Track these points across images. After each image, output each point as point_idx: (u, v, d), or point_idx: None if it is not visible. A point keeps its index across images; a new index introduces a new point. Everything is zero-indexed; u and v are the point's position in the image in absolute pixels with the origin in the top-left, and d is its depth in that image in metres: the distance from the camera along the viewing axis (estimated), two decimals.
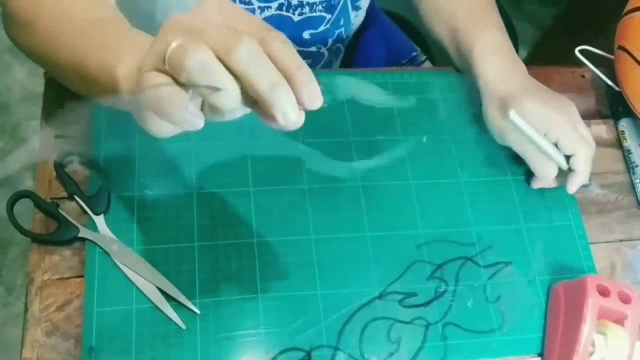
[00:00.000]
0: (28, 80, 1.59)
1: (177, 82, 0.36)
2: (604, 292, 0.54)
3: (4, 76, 1.59)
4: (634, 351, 0.54)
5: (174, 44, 0.35)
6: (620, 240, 0.66)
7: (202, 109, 0.38)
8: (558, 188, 0.64)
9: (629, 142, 0.71)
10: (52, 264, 0.55)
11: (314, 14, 0.73)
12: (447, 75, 0.72)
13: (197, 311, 0.54)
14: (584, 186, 0.63)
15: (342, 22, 0.78)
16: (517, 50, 0.72)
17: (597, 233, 0.65)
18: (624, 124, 0.72)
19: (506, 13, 0.74)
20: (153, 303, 0.54)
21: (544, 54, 1.58)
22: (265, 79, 0.35)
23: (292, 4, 0.71)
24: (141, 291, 0.54)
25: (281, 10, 0.71)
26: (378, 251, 0.60)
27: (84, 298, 0.53)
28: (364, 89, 0.63)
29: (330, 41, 0.79)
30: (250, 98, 0.36)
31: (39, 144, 0.60)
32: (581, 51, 0.74)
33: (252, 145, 0.62)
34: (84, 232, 0.55)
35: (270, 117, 0.36)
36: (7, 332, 1.31)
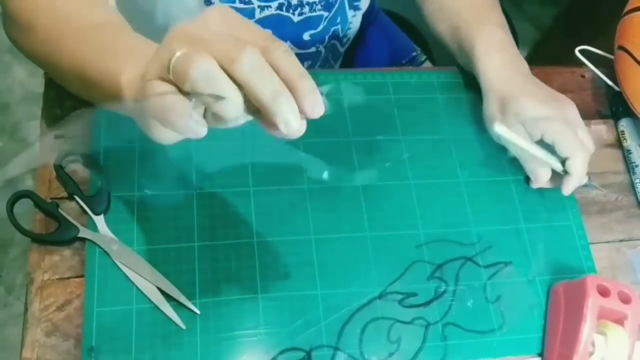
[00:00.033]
0: (28, 80, 1.59)
1: (181, 91, 0.37)
2: (604, 292, 0.54)
3: (4, 76, 1.59)
4: (634, 351, 0.54)
5: (178, 53, 0.36)
6: (620, 240, 0.66)
7: (204, 116, 0.39)
8: (558, 188, 0.64)
9: (629, 142, 0.71)
10: (52, 264, 0.55)
11: (313, 14, 0.73)
12: (447, 75, 0.72)
13: (197, 311, 0.54)
14: (584, 186, 0.63)
15: (338, 20, 0.78)
16: None
17: (597, 233, 0.65)
18: (624, 124, 0.72)
19: (506, 13, 0.74)
20: (153, 303, 0.54)
21: (544, 54, 1.58)
22: (267, 88, 0.35)
23: (292, 3, 0.71)
24: (141, 291, 0.54)
25: (281, 10, 0.71)
26: (378, 251, 0.60)
27: (84, 298, 0.53)
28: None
29: (326, 38, 0.79)
30: (253, 106, 0.37)
31: (39, 144, 0.60)
32: (581, 51, 0.74)
33: (252, 145, 0.62)
34: (84, 232, 0.55)
35: (273, 125, 0.36)
36: (7, 332, 1.31)
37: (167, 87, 0.37)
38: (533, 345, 0.58)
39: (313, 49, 0.79)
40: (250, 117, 0.38)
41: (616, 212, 0.67)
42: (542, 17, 1.75)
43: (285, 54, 0.37)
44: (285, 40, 0.76)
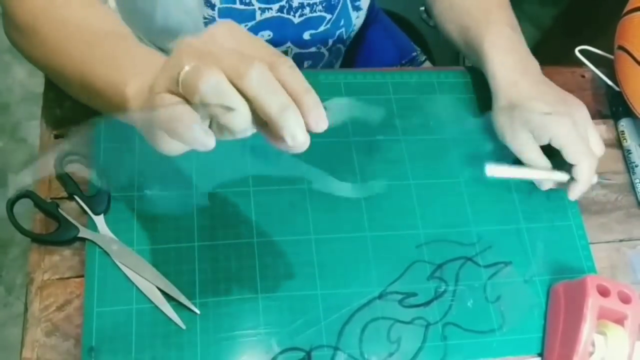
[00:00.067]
0: (28, 80, 1.59)
1: (189, 104, 0.37)
2: (604, 292, 0.54)
3: (4, 76, 1.60)
4: (634, 351, 0.54)
5: (187, 67, 0.37)
6: (620, 240, 0.66)
7: (210, 127, 0.39)
8: (563, 189, 0.64)
9: (629, 142, 0.71)
10: (52, 264, 0.55)
11: (314, 14, 0.73)
12: (447, 75, 0.72)
13: (197, 311, 0.54)
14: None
15: (342, 23, 0.78)
16: None
17: (597, 233, 0.65)
18: (624, 124, 0.72)
19: None
20: (153, 303, 0.54)
21: (544, 54, 1.57)
22: (275, 102, 0.36)
23: (293, 6, 0.71)
24: (141, 291, 0.54)
25: (282, 12, 0.71)
26: (378, 251, 0.60)
27: (84, 298, 0.53)
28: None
29: (330, 42, 0.79)
30: (260, 120, 0.38)
31: (39, 144, 0.60)
32: (581, 51, 0.74)
33: (252, 145, 0.62)
34: (84, 232, 0.55)
35: (279, 138, 0.38)
36: (7, 332, 1.31)
37: (176, 99, 0.38)
38: (533, 345, 0.58)
39: (314, 49, 0.79)
40: (255, 130, 0.39)
41: (616, 212, 0.67)
42: (542, 17, 1.75)
43: (291, 70, 0.38)
44: (286, 41, 0.75)
